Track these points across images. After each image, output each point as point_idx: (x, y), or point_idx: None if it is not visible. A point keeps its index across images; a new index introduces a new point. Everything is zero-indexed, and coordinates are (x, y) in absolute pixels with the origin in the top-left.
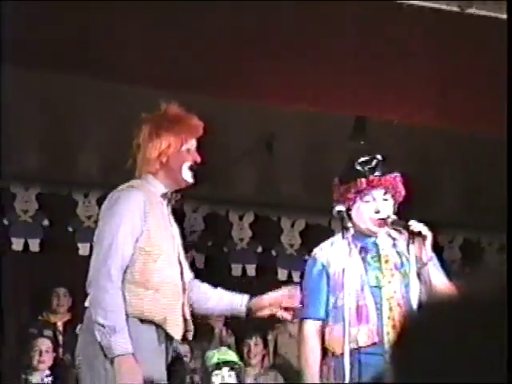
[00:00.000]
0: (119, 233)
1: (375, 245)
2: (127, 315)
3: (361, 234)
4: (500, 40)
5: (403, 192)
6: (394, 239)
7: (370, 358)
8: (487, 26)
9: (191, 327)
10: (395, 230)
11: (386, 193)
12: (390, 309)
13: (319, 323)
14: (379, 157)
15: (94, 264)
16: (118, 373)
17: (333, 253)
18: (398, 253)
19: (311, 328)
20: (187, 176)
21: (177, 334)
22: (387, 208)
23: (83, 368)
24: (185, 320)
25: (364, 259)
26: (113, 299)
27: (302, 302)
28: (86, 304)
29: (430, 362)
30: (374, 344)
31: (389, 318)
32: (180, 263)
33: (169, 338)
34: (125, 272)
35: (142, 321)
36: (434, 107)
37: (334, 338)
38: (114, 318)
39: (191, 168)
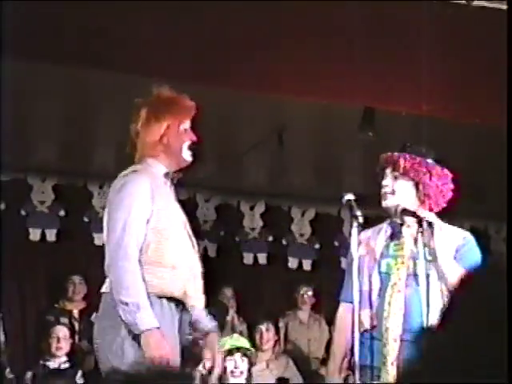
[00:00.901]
0: (131, 214)
1: (400, 233)
2: (149, 294)
3: (392, 219)
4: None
5: (416, 172)
6: (421, 229)
7: (370, 341)
8: (495, 17)
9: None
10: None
11: (393, 170)
12: (391, 295)
13: (351, 306)
14: (408, 144)
15: (110, 249)
16: (147, 347)
17: (363, 239)
18: (422, 242)
19: (342, 310)
20: (187, 155)
21: (199, 304)
22: (396, 186)
23: (101, 351)
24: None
25: (387, 246)
26: (133, 277)
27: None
28: (103, 290)
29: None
30: (374, 327)
31: (389, 303)
32: (190, 237)
33: (183, 313)
34: (140, 253)
35: (161, 297)
36: (443, 98)
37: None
38: (136, 295)
39: (190, 147)
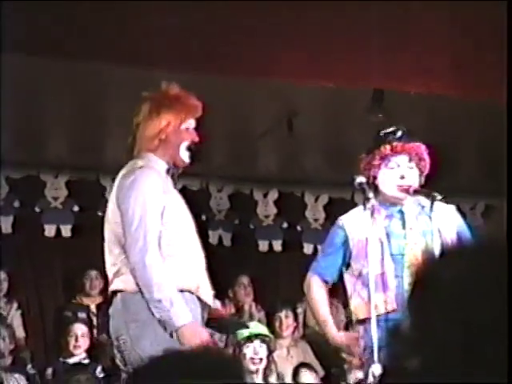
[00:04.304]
0: (147, 212)
1: (401, 213)
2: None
3: (387, 202)
4: None
5: (428, 162)
6: (422, 207)
7: (385, 323)
8: None
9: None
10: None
11: (410, 160)
12: (411, 276)
13: (324, 283)
14: (404, 128)
15: (132, 248)
16: (185, 341)
17: (357, 221)
18: (425, 220)
19: (317, 282)
20: (184, 156)
21: (209, 299)
22: (412, 175)
23: (128, 347)
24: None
25: (388, 227)
26: (162, 273)
27: (316, 260)
28: (121, 287)
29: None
30: (394, 311)
31: (409, 285)
32: (196, 233)
33: (202, 305)
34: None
35: (182, 291)
36: (451, 76)
37: (358, 305)
38: (168, 291)
39: (189, 148)
